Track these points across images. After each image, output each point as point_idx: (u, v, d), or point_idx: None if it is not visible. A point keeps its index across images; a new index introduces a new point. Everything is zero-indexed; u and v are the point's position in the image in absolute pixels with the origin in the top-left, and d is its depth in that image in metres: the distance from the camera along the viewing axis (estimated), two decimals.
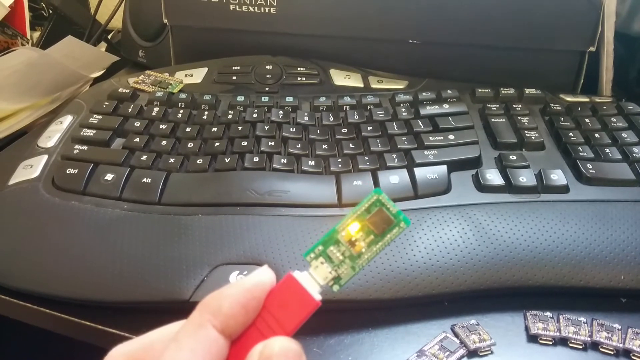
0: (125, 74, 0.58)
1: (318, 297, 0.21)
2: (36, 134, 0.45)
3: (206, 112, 0.46)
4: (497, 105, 0.47)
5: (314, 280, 0.22)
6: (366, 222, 0.22)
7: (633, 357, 0.30)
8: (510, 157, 0.41)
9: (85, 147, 0.42)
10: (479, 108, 0.47)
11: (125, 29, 0.66)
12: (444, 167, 0.39)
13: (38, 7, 0.72)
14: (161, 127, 0.44)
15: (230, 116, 0.46)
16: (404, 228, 0.22)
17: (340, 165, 0.40)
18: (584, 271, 0.34)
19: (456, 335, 0.32)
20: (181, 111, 0.46)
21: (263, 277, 0.22)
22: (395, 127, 0.44)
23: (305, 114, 0.46)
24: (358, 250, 0.22)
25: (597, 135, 0.43)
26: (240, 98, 0.48)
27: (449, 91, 0.48)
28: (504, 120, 0.45)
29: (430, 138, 0.42)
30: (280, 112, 0.46)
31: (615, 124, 0.44)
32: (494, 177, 0.39)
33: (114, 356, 0.21)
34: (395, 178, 0.39)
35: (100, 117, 0.45)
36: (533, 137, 0.43)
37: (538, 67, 0.53)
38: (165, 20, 0.55)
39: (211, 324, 0.20)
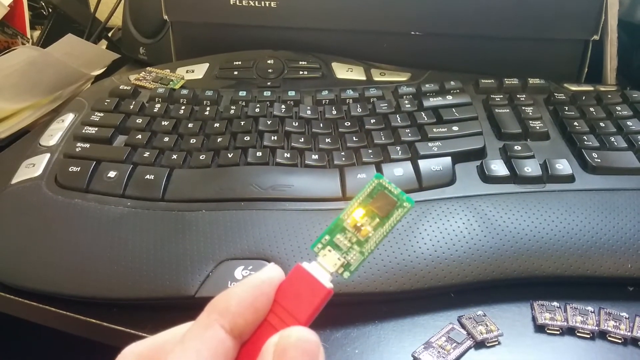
0: (126, 71, 0.57)
1: (329, 284, 0.21)
2: (38, 133, 0.45)
3: (208, 108, 0.46)
4: (501, 96, 0.47)
5: (323, 268, 0.22)
6: (370, 206, 0.22)
7: None
8: (515, 147, 0.40)
9: (88, 145, 0.42)
10: (482, 99, 0.47)
11: (125, 26, 0.65)
12: (449, 159, 0.39)
13: (38, 6, 0.71)
14: (163, 123, 0.44)
15: (232, 111, 0.45)
16: (408, 208, 0.22)
17: (343, 159, 0.40)
18: (590, 260, 0.34)
19: (463, 326, 0.31)
20: (183, 107, 0.46)
21: (271, 272, 0.21)
22: (398, 119, 0.44)
23: (308, 107, 0.46)
24: (365, 235, 0.22)
25: (602, 124, 0.43)
26: (242, 93, 0.48)
27: (452, 82, 0.48)
28: (508, 110, 0.45)
29: (434, 130, 0.42)
30: (283, 106, 0.46)
31: (620, 113, 0.44)
32: (498, 167, 0.38)
33: (125, 355, 0.21)
34: (399, 170, 0.38)
35: (101, 114, 0.45)
36: (537, 127, 0.43)
37: (541, 56, 0.53)
38: (166, 17, 0.55)
39: (219, 324, 0.19)
